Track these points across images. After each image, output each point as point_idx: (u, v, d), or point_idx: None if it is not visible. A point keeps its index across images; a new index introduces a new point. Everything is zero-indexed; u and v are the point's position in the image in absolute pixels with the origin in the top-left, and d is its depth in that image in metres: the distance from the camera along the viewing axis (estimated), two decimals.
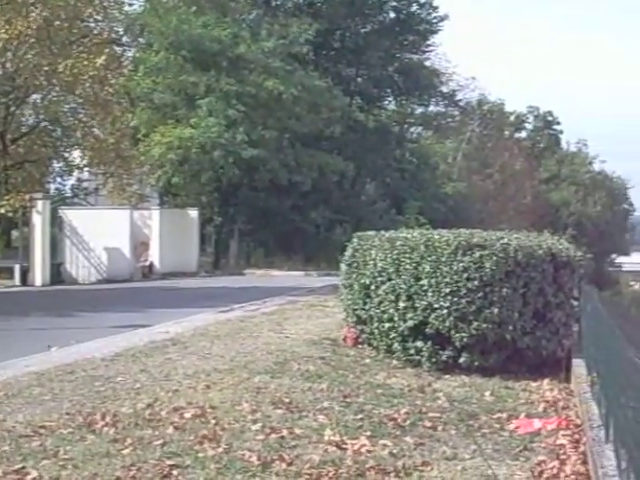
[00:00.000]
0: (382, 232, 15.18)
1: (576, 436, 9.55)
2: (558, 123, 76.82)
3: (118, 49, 41.26)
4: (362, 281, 14.45)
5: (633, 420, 6.02)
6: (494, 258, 12.72)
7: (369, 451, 8.69)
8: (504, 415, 10.47)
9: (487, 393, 11.72)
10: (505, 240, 13.14)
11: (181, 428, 9.29)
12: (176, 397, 10.75)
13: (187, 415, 9.79)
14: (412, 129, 57.54)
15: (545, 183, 72.56)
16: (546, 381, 12.59)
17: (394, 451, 8.74)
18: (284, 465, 8.10)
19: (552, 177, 73.19)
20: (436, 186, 51.50)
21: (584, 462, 8.53)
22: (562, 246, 13.81)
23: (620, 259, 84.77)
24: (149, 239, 35.88)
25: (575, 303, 14.01)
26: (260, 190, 40.62)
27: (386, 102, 54.05)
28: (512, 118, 73.41)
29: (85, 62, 33.37)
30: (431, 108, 55.42)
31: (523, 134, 76.50)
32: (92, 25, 37.33)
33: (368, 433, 9.32)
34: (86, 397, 10.80)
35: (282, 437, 9.02)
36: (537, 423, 10.10)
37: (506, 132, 70.99)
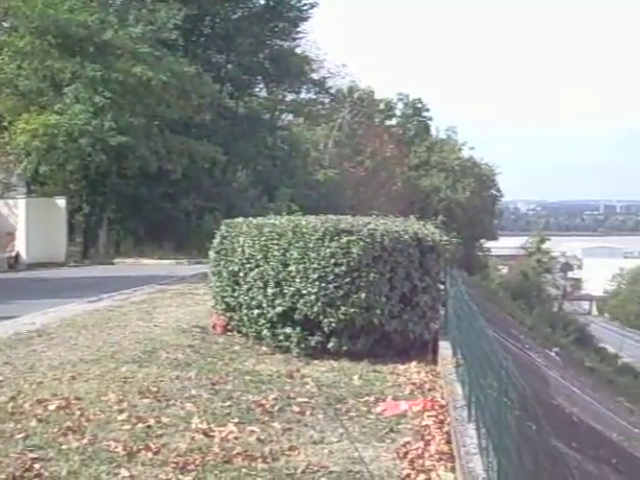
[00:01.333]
0: (250, 219, 15.15)
1: (441, 417, 9.74)
2: (427, 110, 77.96)
3: None
4: (231, 268, 14.41)
5: (492, 400, 6.15)
6: (361, 243, 12.85)
7: (236, 438, 8.70)
8: (371, 398, 10.61)
9: (355, 377, 11.85)
10: (372, 226, 13.28)
11: (45, 420, 9.10)
12: (40, 389, 10.50)
13: (51, 407, 9.59)
14: (283, 116, 57.50)
15: (415, 170, 73.51)
16: (413, 364, 12.80)
17: (262, 437, 8.76)
18: (150, 454, 8.04)
19: (422, 164, 74.21)
20: (307, 173, 51.67)
21: (448, 442, 8.71)
22: (428, 231, 14.03)
23: (489, 244, 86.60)
24: (15, 229, 34.95)
25: (441, 287, 14.28)
26: (129, 178, 39.98)
27: (257, 89, 53.89)
28: (382, 105, 74.16)
29: None
30: (302, 95, 55.51)
31: (393, 121, 77.34)
32: None
33: (236, 420, 9.32)
34: None
35: (149, 426, 8.95)
36: (403, 405, 10.27)
37: (376, 119, 71.64)
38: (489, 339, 6.98)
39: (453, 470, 7.83)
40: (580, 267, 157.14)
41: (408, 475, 7.80)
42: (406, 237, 13.21)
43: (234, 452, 8.15)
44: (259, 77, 51.76)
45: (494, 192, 80.00)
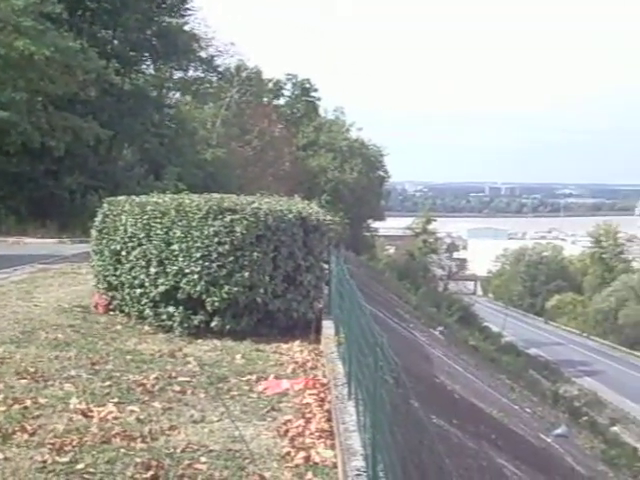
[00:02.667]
0: (133, 197, 14.96)
1: (322, 395, 9.80)
2: (316, 90, 78.08)
3: None
4: (113, 247, 14.23)
5: (368, 377, 6.20)
6: (245, 222, 12.81)
7: (116, 418, 8.59)
8: (254, 377, 10.62)
9: (238, 356, 11.83)
10: (256, 204, 13.26)
11: None
12: None
13: None
14: (171, 94, 56.81)
15: (303, 150, 73.62)
16: (297, 343, 12.85)
17: (141, 417, 8.68)
18: (26, 436, 7.87)
19: (310, 144, 74.35)
20: (195, 152, 51.18)
21: (329, 419, 8.77)
22: (312, 210, 14.06)
23: (376, 224, 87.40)
24: None
25: (325, 266, 14.33)
26: (12, 155, 38.94)
27: (144, 66, 52.96)
28: (270, 85, 73.99)
29: None
30: (190, 73, 54.85)
31: (281, 101, 77.26)
32: None
33: (115, 400, 9.22)
34: None
35: (25, 407, 8.76)
36: (285, 384, 10.30)
37: (265, 99, 71.43)
38: (367, 317, 7.04)
39: (333, 447, 7.88)
40: (465, 248, 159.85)
41: (288, 453, 7.82)
42: (290, 216, 13.22)
43: (113, 432, 8.05)
44: (146, 54, 50.89)
45: (381, 173, 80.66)
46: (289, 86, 77.57)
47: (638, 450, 44.26)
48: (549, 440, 23.64)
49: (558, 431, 26.31)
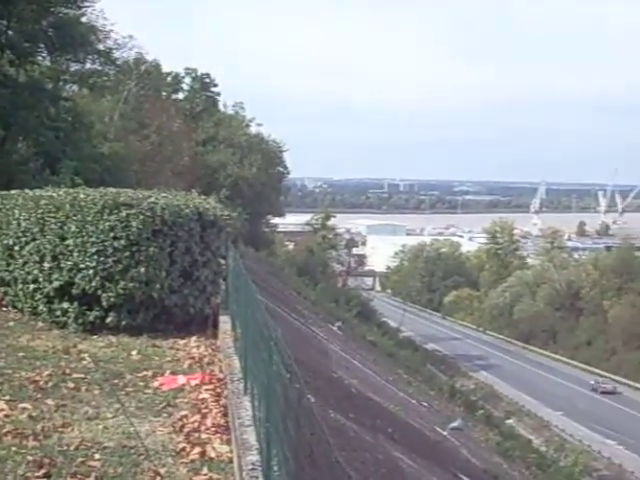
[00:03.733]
0: (27, 191, 14.69)
1: (218, 390, 9.79)
2: (215, 85, 77.56)
3: None
4: (5, 242, 13.95)
5: (263, 371, 6.21)
6: (141, 217, 12.68)
7: (7, 416, 8.44)
8: (150, 373, 10.54)
9: (134, 352, 11.73)
10: (152, 199, 13.13)
11: None
12: None
13: None
14: (67, 87, 55.75)
15: (203, 145, 73.07)
16: (193, 338, 12.79)
17: (34, 414, 8.54)
18: None
19: (210, 139, 73.80)
20: (92, 146, 50.18)
21: (225, 414, 8.77)
22: (210, 205, 14.01)
23: (276, 220, 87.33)
24: None
25: (222, 261, 14.30)
26: None
27: (40, 58, 51.91)
28: (169, 79, 73.27)
29: None
30: (87, 65, 53.84)
31: (180, 95, 76.55)
32: None
33: (7, 397, 9.05)
34: None
35: None
36: (181, 379, 10.26)
37: (163, 93, 70.68)
38: (262, 312, 7.05)
39: (229, 442, 7.88)
40: (364, 244, 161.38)
41: (183, 449, 7.79)
42: (187, 211, 13.14)
43: (4, 431, 7.92)
44: (42, 45, 49.84)
45: (281, 169, 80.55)
46: (188, 80, 76.93)
47: (532, 442, 45.32)
48: (445, 433, 24.04)
49: (454, 424, 26.76)
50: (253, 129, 78.11)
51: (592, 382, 78.21)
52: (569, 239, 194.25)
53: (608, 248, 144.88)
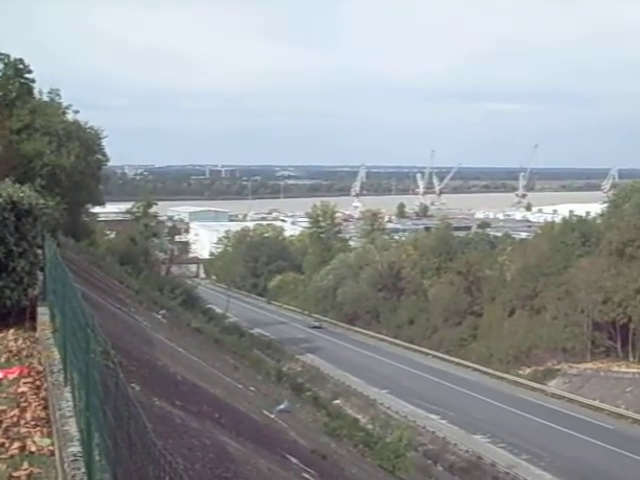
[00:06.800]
0: None
1: (38, 382, 9.56)
2: (30, 72, 75.26)
3: None
4: None
5: (81, 360, 6.10)
6: None
7: None
8: None
9: None
10: None
11: None
12: None
13: None
14: None
15: (17, 133, 70.88)
16: (11, 331, 12.43)
17: None
18: None
19: (25, 127, 71.53)
20: None
21: (45, 407, 8.57)
22: (24, 194, 13.60)
23: (96, 209, 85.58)
24: None
25: (39, 252, 13.93)
26: None
27: None
28: None
29: None
30: None
31: None
32: None
33: None
34: None
35: None
36: None
37: None
38: (78, 300, 6.91)
39: (50, 435, 7.71)
40: (187, 231, 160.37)
41: (2, 444, 7.59)
42: (0, 200, 12.73)
43: None
44: None
45: (100, 157, 78.99)
46: (0, 66, 74.38)
47: (359, 420, 46.21)
48: (273, 416, 24.20)
49: (281, 407, 26.97)
50: (70, 116, 76.25)
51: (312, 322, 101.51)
52: (389, 221, 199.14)
53: (427, 229, 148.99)
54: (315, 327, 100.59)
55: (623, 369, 67.72)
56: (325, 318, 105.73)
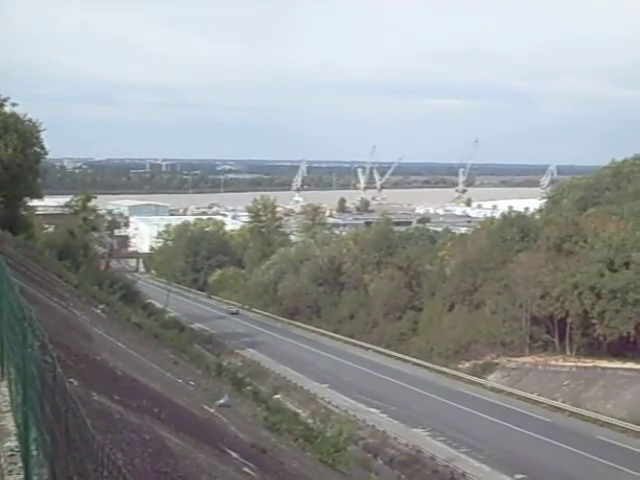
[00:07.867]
0: None
1: None
2: None
3: None
4: None
5: (18, 354, 6.02)
6: None
7: None
8: None
9: None
10: None
11: None
12: None
13: None
14: None
15: None
16: None
17: None
18: None
19: None
20: None
21: None
22: None
23: (34, 203, 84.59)
24: None
25: None
26: None
27: None
28: None
29: None
30: None
31: None
32: None
33: None
34: None
35: None
36: None
37: None
38: (15, 293, 6.81)
39: None
40: (127, 225, 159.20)
41: None
42: None
43: None
44: None
45: (38, 149, 78.08)
46: None
47: (299, 415, 46.29)
48: (213, 410, 24.12)
49: (221, 401, 26.89)
50: (7, 109, 75.23)
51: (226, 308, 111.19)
52: (330, 216, 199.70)
53: (368, 223, 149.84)
54: (233, 313, 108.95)
55: (560, 363, 68.71)
56: (266, 313, 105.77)
